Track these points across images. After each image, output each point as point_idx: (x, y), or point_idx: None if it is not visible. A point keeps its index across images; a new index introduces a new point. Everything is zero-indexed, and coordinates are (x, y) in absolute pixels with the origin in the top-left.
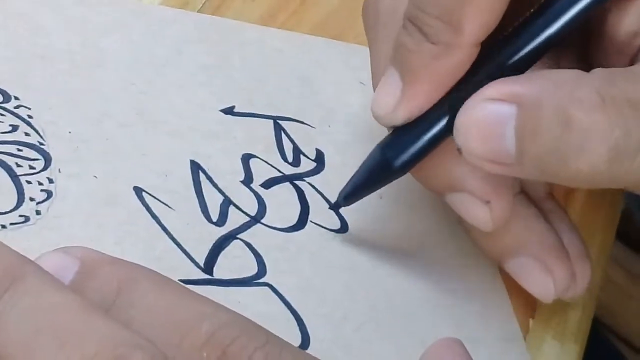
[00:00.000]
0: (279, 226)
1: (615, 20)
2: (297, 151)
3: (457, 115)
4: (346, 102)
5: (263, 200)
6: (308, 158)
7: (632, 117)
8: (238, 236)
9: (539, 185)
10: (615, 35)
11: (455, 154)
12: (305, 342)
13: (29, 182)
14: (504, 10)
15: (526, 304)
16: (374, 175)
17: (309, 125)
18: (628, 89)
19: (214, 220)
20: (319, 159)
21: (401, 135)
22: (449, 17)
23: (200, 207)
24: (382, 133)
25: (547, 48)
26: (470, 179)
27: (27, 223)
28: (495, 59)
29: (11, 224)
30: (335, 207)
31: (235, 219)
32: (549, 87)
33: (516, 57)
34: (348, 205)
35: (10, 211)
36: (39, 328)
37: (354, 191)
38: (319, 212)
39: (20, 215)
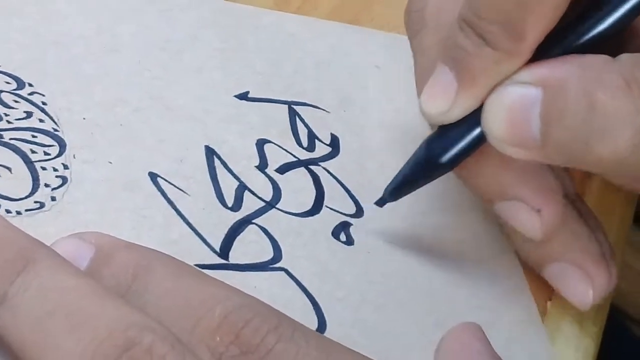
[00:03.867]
0: (294, 211)
1: None
2: (312, 136)
3: (486, 100)
4: (362, 87)
5: (278, 186)
6: (323, 143)
7: None
8: (253, 221)
9: (571, 187)
10: None
11: (504, 162)
12: (322, 326)
13: (44, 169)
14: (562, 13)
15: (544, 287)
16: (419, 170)
17: (324, 110)
18: None
19: (230, 205)
20: (334, 143)
21: (448, 131)
22: (510, 25)
23: (216, 192)
24: (396, 120)
25: (601, 41)
26: (522, 187)
27: (43, 209)
28: (549, 51)
29: (26, 210)
30: (380, 202)
31: (250, 204)
32: (575, 70)
33: (571, 47)
34: (394, 200)
35: (26, 197)
36: (50, 310)
37: (400, 186)
38: (334, 197)
39: (36, 202)
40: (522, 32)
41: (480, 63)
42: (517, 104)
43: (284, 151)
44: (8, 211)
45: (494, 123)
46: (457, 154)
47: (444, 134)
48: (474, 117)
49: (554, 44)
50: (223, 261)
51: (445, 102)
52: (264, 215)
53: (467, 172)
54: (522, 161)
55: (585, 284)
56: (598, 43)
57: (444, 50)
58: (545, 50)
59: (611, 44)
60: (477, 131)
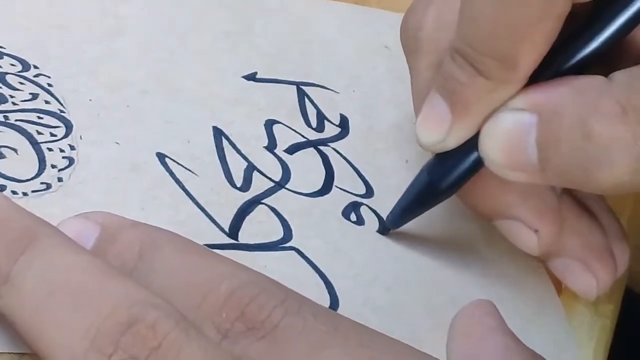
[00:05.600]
0: (304, 191)
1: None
2: (321, 116)
3: (483, 127)
4: (371, 67)
5: (287, 166)
6: (332, 123)
7: None
8: (263, 201)
9: None
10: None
11: (503, 182)
12: (334, 304)
13: (50, 150)
14: (555, 38)
15: None
16: (420, 197)
17: (333, 90)
18: None
19: (238, 185)
20: (343, 124)
21: (446, 158)
22: (503, 56)
23: (224, 172)
24: (407, 100)
25: (596, 58)
26: (519, 208)
27: (49, 190)
28: (544, 73)
29: (33, 191)
30: (383, 230)
31: (259, 184)
32: (569, 95)
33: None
34: (396, 228)
35: (32, 178)
36: (53, 289)
37: (402, 214)
38: (344, 177)
39: (42, 183)
40: (515, 62)
41: (474, 93)
42: (513, 131)
43: (292, 132)
44: (14, 192)
45: (492, 150)
46: (457, 180)
47: (443, 160)
48: (471, 143)
49: (549, 65)
50: (232, 241)
51: (440, 132)
52: (273, 195)
53: (465, 193)
54: (522, 183)
55: (588, 278)
56: (593, 60)
57: (437, 79)
58: (541, 72)
59: (606, 57)
60: (474, 156)
